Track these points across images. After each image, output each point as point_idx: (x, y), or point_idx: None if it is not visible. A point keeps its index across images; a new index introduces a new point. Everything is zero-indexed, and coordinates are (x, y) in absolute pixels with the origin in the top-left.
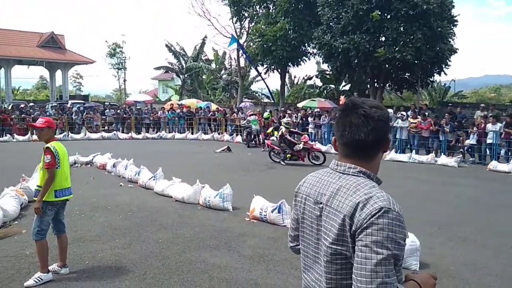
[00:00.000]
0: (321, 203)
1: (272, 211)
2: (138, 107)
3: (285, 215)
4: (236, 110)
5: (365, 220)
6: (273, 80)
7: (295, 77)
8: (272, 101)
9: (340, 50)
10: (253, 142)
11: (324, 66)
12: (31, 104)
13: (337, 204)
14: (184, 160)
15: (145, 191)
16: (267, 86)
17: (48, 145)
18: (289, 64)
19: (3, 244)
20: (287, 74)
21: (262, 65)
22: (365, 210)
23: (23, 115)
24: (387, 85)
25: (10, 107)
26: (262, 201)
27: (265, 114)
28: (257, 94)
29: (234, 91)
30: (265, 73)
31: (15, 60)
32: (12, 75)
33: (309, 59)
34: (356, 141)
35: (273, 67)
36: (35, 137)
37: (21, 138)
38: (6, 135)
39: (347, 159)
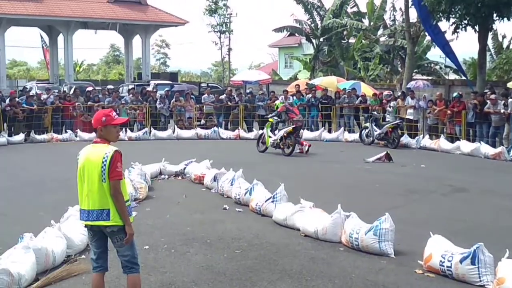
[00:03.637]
0: None
1: (461, 261)
2: (249, 90)
3: (484, 268)
4: (401, 94)
5: None
6: (466, 44)
7: (504, 37)
8: (465, 78)
9: None
10: (394, 141)
11: None
12: (109, 86)
13: None
14: (317, 173)
15: (260, 218)
16: (453, 55)
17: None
18: (495, 16)
19: (67, 286)
20: (489, 34)
21: (448, 19)
22: None
23: (89, 103)
24: None
25: (72, 91)
26: (444, 244)
27: (278, 102)
28: (437, 67)
29: (399, 62)
30: (453, 33)
31: (78, 22)
32: (73, 44)
33: None
34: None
35: (465, 22)
36: None
37: (86, 136)
38: (67, 131)
39: None
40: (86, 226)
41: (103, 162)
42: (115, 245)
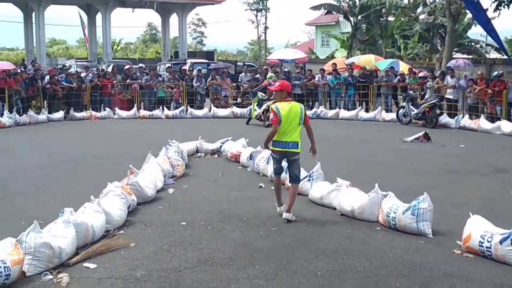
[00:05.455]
0: None
1: (501, 242)
2: (286, 69)
3: None
4: (441, 73)
5: None
6: (508, 22)
7: None
8: (506, 57)
9: None
10: (432, 120)
11: None
12: (141, 65)
13: None
14: (354, 152)
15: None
16: (494, 32)
17: (272, 105)
18: None
19: (107, 260)
20: None
21: None
22: None
23: (128, 81)
24: None
25: (110, 69)
26: (484, 224)
27: (269, 75)
28: (478, 46)
29: (439, 41)
30: (495, 10)
31: (116, 0)
32: (111, 23)
33: None
34: None
35: None
36: (143, 112)
37: (124, 113)
38: (105, 109)
39: None
40: (277, 153)
41: (301, 112)
42: (292, 166)
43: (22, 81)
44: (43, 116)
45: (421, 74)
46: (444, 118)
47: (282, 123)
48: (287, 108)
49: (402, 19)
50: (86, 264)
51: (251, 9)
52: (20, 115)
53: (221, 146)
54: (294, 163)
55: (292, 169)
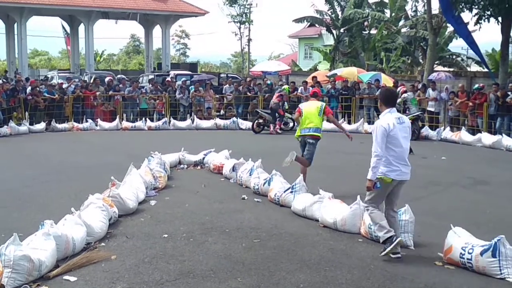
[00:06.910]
0: None
1: (481, 253)
2: (269, 82)
3: (504, 261)
4: (422, 86)
5: None
6: (488, 35)
7: None
8: (487, 70)
9: None
10: (414, 132)
11: None
12: (119, 76)
13: None
14: (336, 164)
15: (278, 208)
16: (475, 46)
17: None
18: None
19: (87, 273)
20: None
21: (470, 10)
22: None
23: (110, 92)
24: None
25: (92, 80)
26: (465, 236)
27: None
28: (459, 59)
29: (421, 53)
30: (476, 24)
31: (98, 12)
32: (94, 34)
33: None
34: None
35: (488, 13)
36: (125, 124)
37: (107, 125)
38: (87, 120)
39: None
40: (302, 137)
41: (321, 106)
42: (309, 148)
43: (3, 92)
44: (24, 127)
45: (398, 89)
46: (426, 131)
47: (304, 115)
48: (310, 104)
49: (384, 32)
50: (66, 277)
51: (234, 22)
52: (1, 126)
53: (203, 158)
54: (311, 146)
55: (307, 150)
